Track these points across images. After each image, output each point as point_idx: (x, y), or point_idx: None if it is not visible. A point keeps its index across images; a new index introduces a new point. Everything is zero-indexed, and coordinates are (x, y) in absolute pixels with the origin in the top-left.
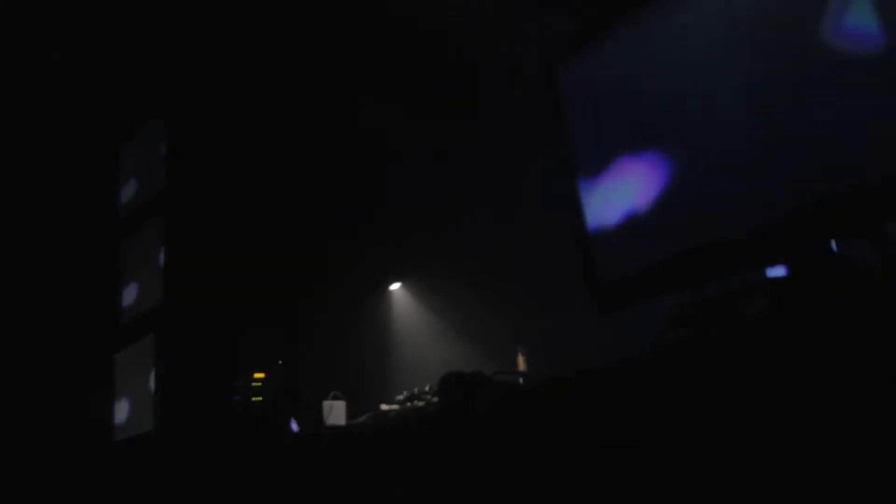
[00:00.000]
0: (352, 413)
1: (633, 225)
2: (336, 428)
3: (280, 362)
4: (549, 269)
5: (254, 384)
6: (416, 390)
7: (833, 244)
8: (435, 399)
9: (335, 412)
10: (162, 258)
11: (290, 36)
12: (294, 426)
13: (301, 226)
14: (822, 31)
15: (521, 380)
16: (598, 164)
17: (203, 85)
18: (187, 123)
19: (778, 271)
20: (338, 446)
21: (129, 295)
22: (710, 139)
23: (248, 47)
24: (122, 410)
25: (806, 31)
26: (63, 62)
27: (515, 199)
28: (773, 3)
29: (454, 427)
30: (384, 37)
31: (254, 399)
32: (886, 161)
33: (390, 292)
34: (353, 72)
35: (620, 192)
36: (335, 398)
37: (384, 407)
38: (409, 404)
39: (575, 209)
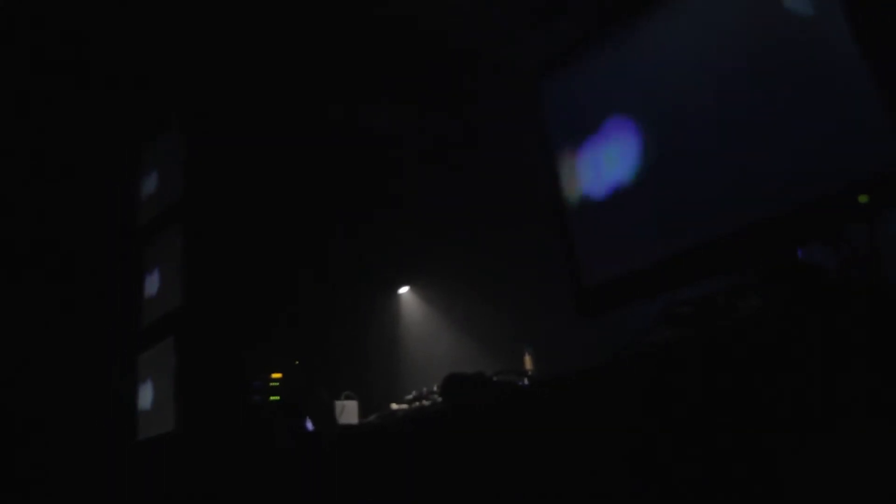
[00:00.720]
0: (364, 412)
1: (617, 232)
2: (348, 427)
3: (297, 363)
4: (555, 270)
5: (271, 384)
6: (423, 390)
7: (798, 250)
8: (440, 399)
9: (348, 411)
10: (181, 262)
11: (301, 42)
12: (309, 425)
13: (313, 232)
14: (791, 54)
15: (525, 379)
16: (584, 173)
17: (219, 92)
18: (205, 130)
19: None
20: (349, 444)
21: (149, 298)
22: (688, 155)
23: (260, 55)
24: (144, 410)
25: (776, 54)
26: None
27: (521, 201)
28: (748, 24)
29: (457, 425)
30: (393, 43)
31: (271, 398)
32: (846, 173)
33: (399, 295)
34: (362, 77)
35: (604, 200)
36: (348, 398)
37: (394, 406)
38: (416, 404)
39: (562, 217)
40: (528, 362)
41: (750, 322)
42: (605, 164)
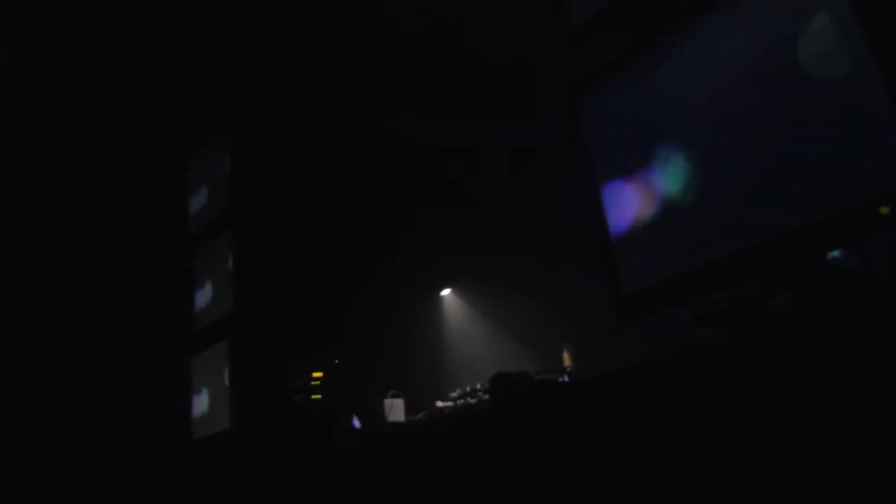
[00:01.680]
0: (410, 409)
1: (652, 242)
2: (397, 424)
3: (336, 362)
4: (591, 272)
5: (312, 383)
6: (468, 388)
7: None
8: (486, 397)
9: (395, 409)
10: (231, 269)
11: (345, 55)
12: (356, 422)
13: (359, 238)
14: (806, 81)
15: (565, 376)
16: (620, 189)
17: (262, 103)
18: (249, 139)
19: None
20: (399, 441)
21: (202, 304)
22: (718, 167)
23: (303, 67)
24: (199, 411)
25: (792, 77)
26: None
27: (559, 207)
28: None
29: (504, 422)
30: (434, 56)
31: (313, 397)
32: (869, 187)
33: (442, 297)
34: (405, 88)
35: (642, 218)
36: (394, 396)
37: (439, 404)
38: (462, 402)
39: (601, 230)
40: (567, 359)
41: (782, 320)
42: (643, 176)
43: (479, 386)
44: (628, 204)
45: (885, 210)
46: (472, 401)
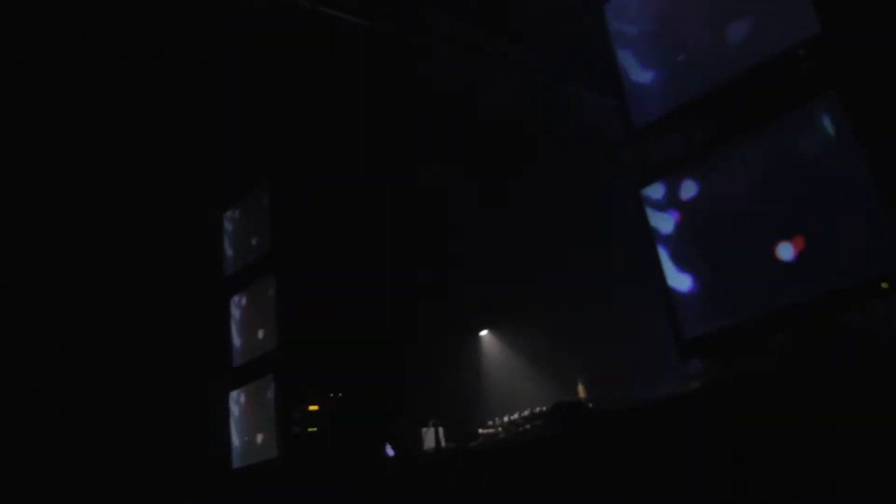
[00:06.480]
0: (448, 436)
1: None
2: (457, 449)
3: (331, 395)
4: (609, 318)
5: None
6: (515, 416)
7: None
8: (534, 424)
9: (437, 436)
10: (275, 308)
11: (384, 107)
12: (389, 451)
13: (405, 283)
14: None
15: (590, 404)
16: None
17: (302, 152)
18: (289, 187)
19: None
20: (463, 463)
21: (249, 340)
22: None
23: (342, 119)
24: (240, 441)
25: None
26: None
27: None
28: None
29: (566, 445)
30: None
31: (309, 430)
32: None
33: (480, 337)
34: (438, 140)
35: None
36: (434, 425)
37: (482, 431)
38: (512, 429)
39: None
40: (581, 391)
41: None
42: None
43: (517, 415)
44: (679, 269)
45: (885, 285)
46: (527, 426)
